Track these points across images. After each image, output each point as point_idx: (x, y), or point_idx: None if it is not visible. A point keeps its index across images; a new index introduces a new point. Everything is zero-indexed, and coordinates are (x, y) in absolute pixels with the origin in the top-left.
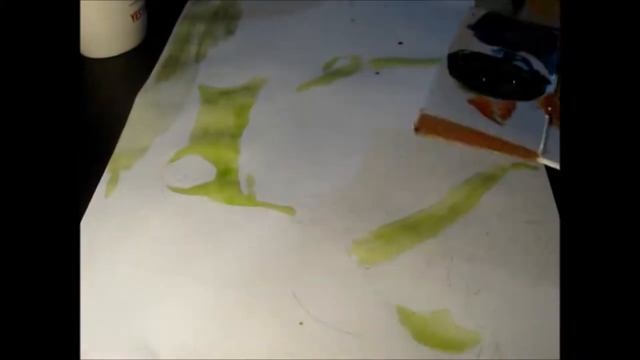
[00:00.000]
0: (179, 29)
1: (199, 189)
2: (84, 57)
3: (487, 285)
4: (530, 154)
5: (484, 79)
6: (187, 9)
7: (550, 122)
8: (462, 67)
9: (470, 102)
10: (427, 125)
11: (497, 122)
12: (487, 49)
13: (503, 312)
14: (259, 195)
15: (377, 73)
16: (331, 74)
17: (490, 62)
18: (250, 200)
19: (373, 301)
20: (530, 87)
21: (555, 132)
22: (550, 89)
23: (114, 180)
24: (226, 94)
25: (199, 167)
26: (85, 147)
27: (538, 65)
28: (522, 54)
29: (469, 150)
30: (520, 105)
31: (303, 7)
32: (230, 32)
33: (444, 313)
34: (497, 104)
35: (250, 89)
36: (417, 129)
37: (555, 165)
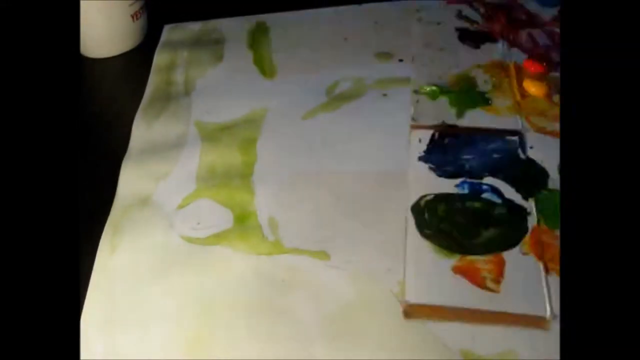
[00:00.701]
0: (159, 58)
1: (219, 238)
2: (84, 57)
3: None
4: (539, 322)
5: (455, 234)
6: (165, 35)
7: (546, 268)
8: (430, 222)
9: (455, 271)
10: (416, 312)
11: (493, 291)
12: (449, 186)
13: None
14: (286, 240)
15: (385, 95)
16: (336, 98)
17: (458, 205)
18: (279, 247)
19: (434, 347)
20: (512, 226)
21: (555, 281)
22: (532, 221)
23: (118, 234)
24: (227, 129)
25: (213, 212)
26: (84, 148)
27: (509, 191)
28: (489, 180)
29: None
30: (509, 257)
31: (291, 27)
32: (217, 58)
33: (510, 353)
34: (484, 265)
35: (252, 122)
36: (405, 316)
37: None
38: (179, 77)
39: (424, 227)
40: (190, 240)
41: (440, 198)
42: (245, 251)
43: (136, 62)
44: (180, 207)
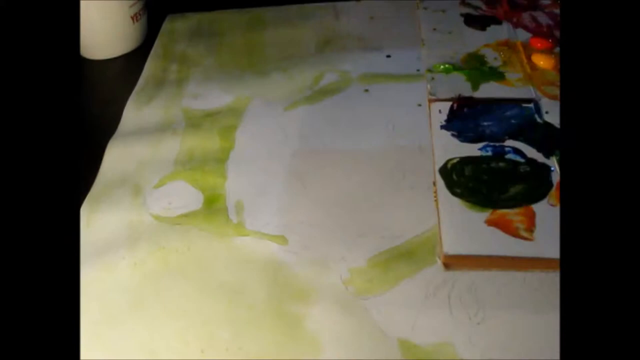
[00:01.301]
0: (158, 46)
1: (186, 218)
2: (84, 59)
3: (490, 314)
4: None
5: (486, 189)
6: (166, 24)
7: None
8: (459, 181)
9: (489, 223)
10: (455, 263)
11: (527, 239)
12: (473, 150)
13: (507, 342)
14: (249, 223)
15: (367, 90)
16: (319, 92)
17: (484, 165)
18: (240, 230)
19: (373, 335)
20: (536, 181)
21: None
22: (556, 177)
23: (95, 209)
24: (210, 115)
25: (185, 194)
26: (84, 148)
27: (531, 151)
28: (510, 143)
29: None
30: (538, 208)
31: (287, 21)
32: (212, 48)
33: (447, 345)
34: (516, 216)
35: (235, 110)
36: (446, 267)
37: None
38: (174, 65)
39: (453, 186)
40: (159, 218)
41: (466, 160)
42: (209, 231)
43: (136, 64)
44: (156, 187)
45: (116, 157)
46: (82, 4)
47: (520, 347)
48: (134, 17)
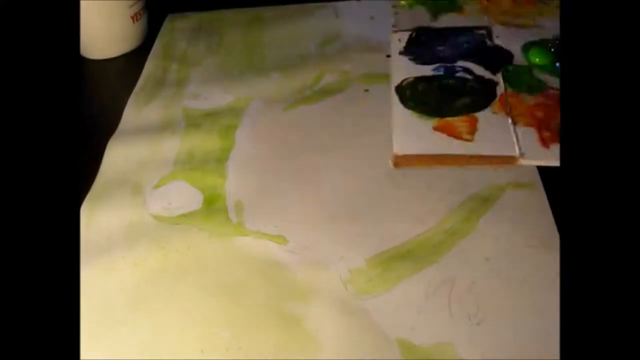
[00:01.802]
0: (158, 46)
1: (186, 218)
2: (84, 58)
3: (490, 314)
4: (510, 160)
5: (436, 102)
6: (166, 24)
7: (514, 122)
8: (412, 96)
9: (435, 129)
10: (404, 162)
11: (468, 140)
12: (427, 70)
13: (507, 342)
14: (249, 223)
15: (367, 90)
16: (319, 92)
17: (435, 83)
18: (240, 230)
19: (372, 335)
20: (482, 94)
21: (523, 131)
22: (500, 89)
23: (95, 209)
24: (210, 115)
25: (185, 193)
26: (84, 148)
27: (479, 70)
28: (461, 63)
29: (462, 172)
30: (481, 116)
31: (287, 20)
32: (212, 48)
33: (446, 345)
34: (460, 123)
35: (235, 110)
36: (395, 165)
37: (535, 164)
38: (174, 65)
39: (406, 101)
40: (159, 218)
41: (420, 79)
42: (209, 231)
43: (136, 64)
44: (156, 187)
45: (116, 157)
46: (82, 4)
47: (520, 347)
48: (134, 17)
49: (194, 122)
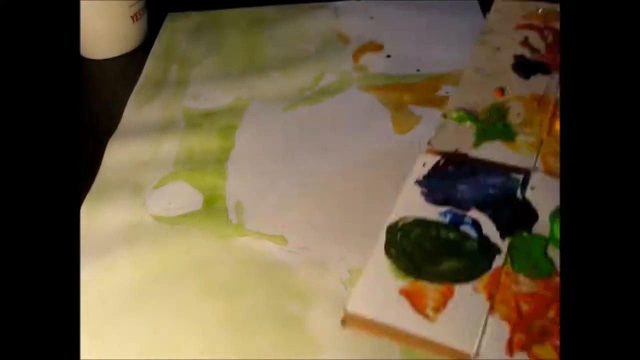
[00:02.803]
0: (158, 45)
1: (186, 218)
2: (84, 59)
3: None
4: (461, 355)
5: (420, 259)
6: (166, 23)
7: (492, 308)
8: (399, 244)
9: (402, 292)
10: (352, 323)
11: (428, 318)
12: (433, 213)
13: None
14: (249, 223)
15: (367, 90)
16: (319, 92)
17: (433, 232)
18: (240, 230)
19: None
20: (475, 262)
21: (494, 324)
22: (499, 261)
23: (94, 209)
24: (210, 115)
25: (185, 194)
26: (84, 148)
27: (489, 228)
28: (472, 213)
29: None
30: (459, 291)
31: (287, 20)
32: (212, 48)
33: None
34: (432, 292)
35: (235, 110)
36: (343, 323)
37: None
38: (174, 65)
39: (391, 246)
40: (159, 219)
41: (419, 222)
42: (209, 232)
43: (136, 64)
44: (156, 187)
45: (116, 157)
46: (82, 4)
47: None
48: (134, 17)
49: (193, 122)
